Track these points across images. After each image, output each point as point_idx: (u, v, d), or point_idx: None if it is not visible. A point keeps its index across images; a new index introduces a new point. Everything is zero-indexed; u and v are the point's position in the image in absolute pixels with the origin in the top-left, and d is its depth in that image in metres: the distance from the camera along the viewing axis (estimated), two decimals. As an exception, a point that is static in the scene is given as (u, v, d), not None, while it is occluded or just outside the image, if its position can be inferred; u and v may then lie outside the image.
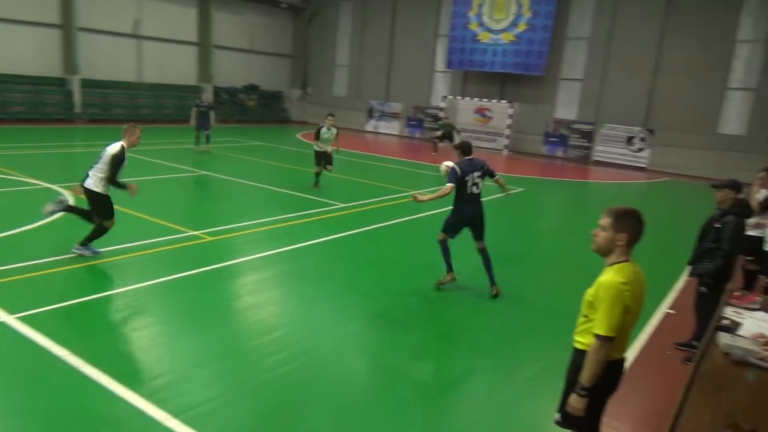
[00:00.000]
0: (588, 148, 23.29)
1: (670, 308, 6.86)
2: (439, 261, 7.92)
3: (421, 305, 6.43)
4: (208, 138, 17.12)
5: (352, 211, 10.83)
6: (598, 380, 2.99)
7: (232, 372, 4.65)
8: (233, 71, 29.11)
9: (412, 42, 28.03)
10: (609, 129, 22.68)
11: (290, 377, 4.63)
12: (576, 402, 3.04)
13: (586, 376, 2.98)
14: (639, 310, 3.04)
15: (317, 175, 12.64)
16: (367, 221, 9.99)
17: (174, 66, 26.42)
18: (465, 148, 6.80)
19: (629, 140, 22.26)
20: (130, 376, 4.42)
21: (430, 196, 6.46)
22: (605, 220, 3.02)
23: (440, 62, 27.43)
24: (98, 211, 6.92)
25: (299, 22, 31.75)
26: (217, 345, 5.09)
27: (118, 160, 6.77)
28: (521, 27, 23.89)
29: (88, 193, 6.84)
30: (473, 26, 25.14)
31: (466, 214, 6.75)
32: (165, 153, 16.24)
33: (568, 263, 8.66)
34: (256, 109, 29.63)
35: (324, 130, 12.31)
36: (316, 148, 12.48)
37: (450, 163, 6.86)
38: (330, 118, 12.36)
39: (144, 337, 5.15)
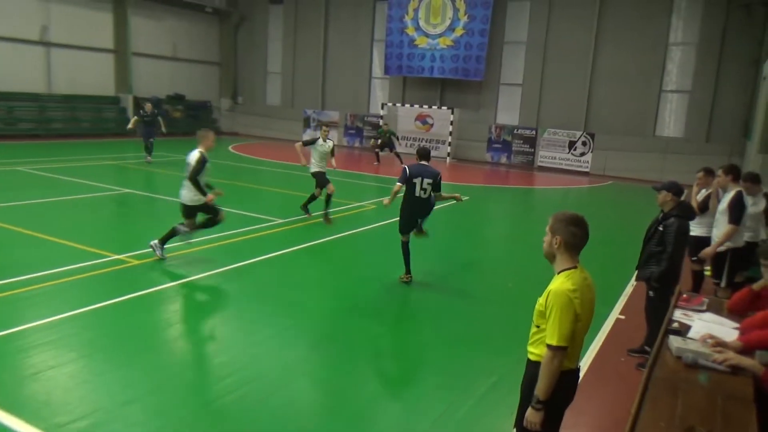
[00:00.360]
0: (531, 154, 24.05)
1: (621, 314, 7.13)
2: (383, 275, 7.97)
3: (369, 323, 6.41)
4: (150, 147, 17.86)
5: (291, 226, 10.71)
6: (554, 392, 3.05)
7: (166, 408, 4.47)
8: (156, 80, 28.33)
9: (348, 47, 28.18)
10: (551, 134, 23.52)
11: (231, 409, 4.49)
12: (532, 416, 3.09)
13: (541, 389, 3.04)
14: (589, 318, 3.13)
15: (313, 199, 11.24)
16: (308, 237, 9.90)
17: (88, 75, 25.45)
18: (422, 153, 7.52)
19: (571, 145, 23.15)
20: (49, 420, 4.16)
21: (389, 198, 7.32)
22: (548, 225, 3.17)
23: (378, 68, 27.70)
24: (207, 212, 8.14)
25: (226, 27, 31.33)
26: (149, 379, 4.88)
27: (202, 161, 7.69)
28: (458, 32, 24.49)
29: (185, 205, 8.00)
30: (410, 31, 25.57)
31: (412, 212, 7.46)
32: (82, 170, 15.56)
33: (516, 270, 8.87)
34: (182, 121, 28.90)
35: (320, 142, 10.90)
36: (314, 168, 10.97)
37: None
38: (325, 128, 11.16)
39: (64, 375, 4.88)
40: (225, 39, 31.49)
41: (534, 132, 23.96)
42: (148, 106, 18.14)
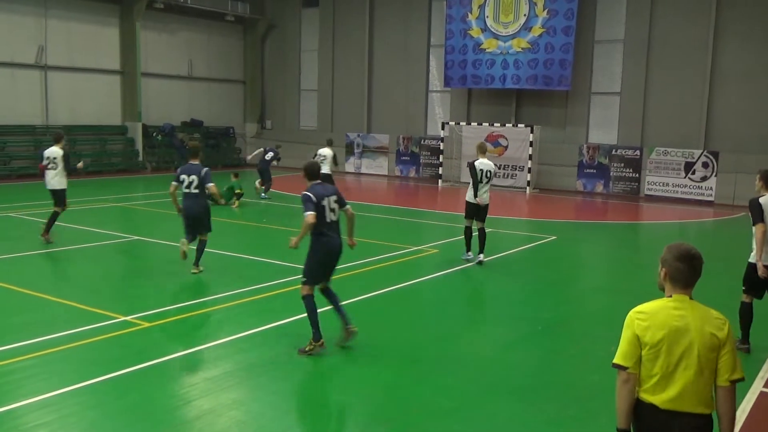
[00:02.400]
0: (636, 180, 23.62)
1: (766, 386, 6.84)
2: (450, 336, 7.89)
3: (434, 398, 6.34)
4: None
5: (333, 277, 10.76)
6: (636, 424, 3.55)
7: (183, 506, 4.51)
8: (169, 105, 29.52)
9: (398, 56, 28.69)
10: (661, 154, 23.09)
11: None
12: None
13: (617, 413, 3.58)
14: (675, 354, 3.47)
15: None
16: (354, 290, 9.94)
17: (91, 102, 26.77)
18: (311, 171, 7.52)
19: (688, 167, 22.62)
20: None
21: (298, 236, 7.23)
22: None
23: (436, 80, 28.04)
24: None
25: (251, 37, 32.49)
26: (162, 469, 4.95)
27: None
28: (536, 31, 24.62)
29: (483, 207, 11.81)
30: (475, 32, 25.87)
31: (329, 247, 7.35)
32: (83, 215, 16.23)
33: (616, 330, 8.63)
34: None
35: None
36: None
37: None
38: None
39: (62, 465, 5.01)
40: (250, 52, 32.64)
41: (638, 152, 23.57)
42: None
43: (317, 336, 7.30)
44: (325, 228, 7.27)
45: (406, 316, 9.23)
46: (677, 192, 22.83)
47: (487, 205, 11.96)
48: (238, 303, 9.21)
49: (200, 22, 30.45)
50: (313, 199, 7.16)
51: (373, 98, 29.72)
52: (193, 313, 8.63)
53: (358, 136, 29.65)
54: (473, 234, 12.04)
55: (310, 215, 7.10)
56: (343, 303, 9.31)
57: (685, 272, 3.52)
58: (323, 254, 7.34)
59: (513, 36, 25.17)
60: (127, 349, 7.38)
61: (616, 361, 3.63)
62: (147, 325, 8.12)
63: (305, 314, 8.60)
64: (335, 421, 5.83)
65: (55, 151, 12.63)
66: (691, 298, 3.56)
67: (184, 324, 8.26)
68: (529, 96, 25.87)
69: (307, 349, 7.25)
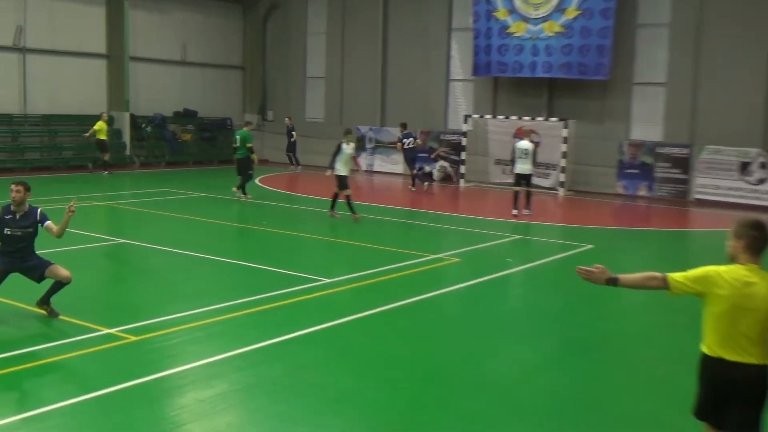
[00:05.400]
0: (684, 182, 23.43)
1: None
2: (471, 357, 7.88)
3: (453, 423, 6.32)
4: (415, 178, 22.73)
5: (341, 288, 10.79)
6: (699, 372, 4.74)
7: None
8: (160, 93, 29.53)
9: (416, 41, 28.61)
10: (713, 153, 22.89)
11: None
12: (597, 273, 5.23)
13: (627, 277, 5.26)
14: (739, 314, 4.44)
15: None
16: (364, 303, 9.94)
17: (74, 89, 26.81)
18: None
19: (744, 168, 22.44)
20: None
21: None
22: (731, 231, 4.67)
23: (458, 67, 27.95)
24: None
25: (252, 19, 32.53)
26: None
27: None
28: (570, 13, 24.49)
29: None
30: (501, 14, 25.74)
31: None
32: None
33: (666, 350, 8.59)
34: (194, 145, 29.97)
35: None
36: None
37: None
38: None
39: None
40: (250, 35, 32.67)
41: (687, 151, 23.40)
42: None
43: None
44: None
45: (423, 332, 9.19)
46: (731, 196, 22.61)
47: (528, 175, 17.91)
48: (235, 315, 9.19)
49: (195, 1, 30.51)
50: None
51: (387, 87, 29.65)
52: (185, 326, 8.62)
53: (371, 129, 29.61)
54: (518, 196, 17.98)
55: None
56: (358, 316, 9.35)
57: (760, 239, 4.54)
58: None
59: (544, 19, 25.03)
60: (112, 365, 7.40)
61: (670, 273, 4.90)
62: (134, 338, 8.14)
63: (306, 330, 8.68)
64: (342, 450, 5.82)
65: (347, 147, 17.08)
66: (760, 268, 4.53)
67: (175, 338, 8.26)
68: (562, 86, 25.72)
69: None
